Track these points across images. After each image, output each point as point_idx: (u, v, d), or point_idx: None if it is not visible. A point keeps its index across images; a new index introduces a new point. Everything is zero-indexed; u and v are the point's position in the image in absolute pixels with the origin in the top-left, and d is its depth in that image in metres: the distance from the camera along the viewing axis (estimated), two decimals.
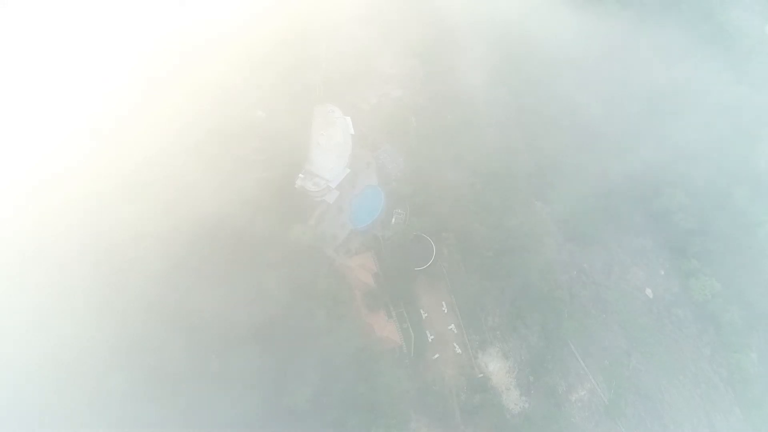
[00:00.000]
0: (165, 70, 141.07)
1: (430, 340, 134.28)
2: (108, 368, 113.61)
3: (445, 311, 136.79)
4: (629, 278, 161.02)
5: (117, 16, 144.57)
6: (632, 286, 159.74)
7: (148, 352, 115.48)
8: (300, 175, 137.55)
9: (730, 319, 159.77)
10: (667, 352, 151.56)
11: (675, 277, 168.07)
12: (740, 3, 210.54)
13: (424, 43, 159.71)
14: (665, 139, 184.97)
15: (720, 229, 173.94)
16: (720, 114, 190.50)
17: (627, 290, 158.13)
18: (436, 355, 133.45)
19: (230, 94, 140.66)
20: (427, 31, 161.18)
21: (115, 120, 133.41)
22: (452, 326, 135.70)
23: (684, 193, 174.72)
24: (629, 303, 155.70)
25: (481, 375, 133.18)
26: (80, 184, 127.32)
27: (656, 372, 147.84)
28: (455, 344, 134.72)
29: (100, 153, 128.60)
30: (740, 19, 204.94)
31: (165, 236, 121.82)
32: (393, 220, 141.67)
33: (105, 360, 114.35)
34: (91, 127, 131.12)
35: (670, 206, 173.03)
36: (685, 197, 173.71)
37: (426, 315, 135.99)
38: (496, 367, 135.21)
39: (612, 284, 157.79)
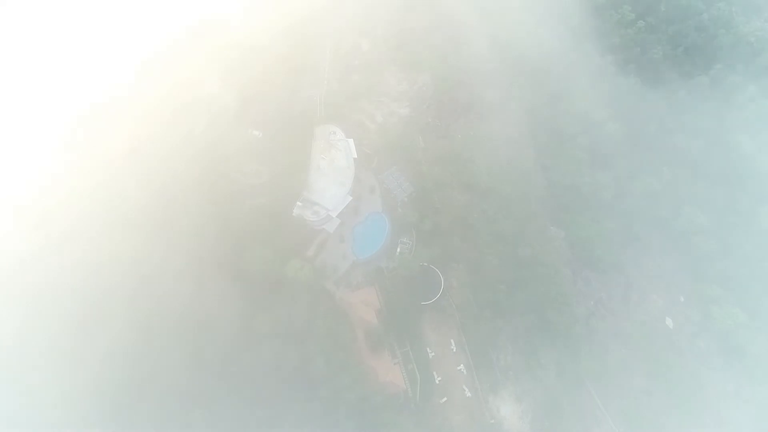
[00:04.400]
0: (152, 79, 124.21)
1: (437, 383, 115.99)
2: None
3: (454, 350, 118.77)
4: (648, 307, 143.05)
5: (107, 26, 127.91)
6: (652, 317, 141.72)
7: (125, 397, 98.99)
8: (298, 203, 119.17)
9: (756, 351, 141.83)
10: (690, 389, 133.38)
11: (696, 304, 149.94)
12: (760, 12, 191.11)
13: (433, 56, 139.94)
14: (684, 156, 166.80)
15: (744, 252, 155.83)
16: (741, 130, 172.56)
17: (646, 321, 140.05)
18: (444, 399, 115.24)
19: (223, 111, 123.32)
20: (437, 44, 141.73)
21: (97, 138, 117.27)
22: (461, 367, 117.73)
23: (704, 214, 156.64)
24: (649, 335, 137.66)
25: (493, 421, 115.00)
26: (74, 215, 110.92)
27: (678, 413, 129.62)
28: (464, 387, 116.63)
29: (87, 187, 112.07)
30: (763, 30, 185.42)
31: (147, 274, 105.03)
32: (398, 250, 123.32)
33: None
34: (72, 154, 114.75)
35: (690, 227, 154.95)
36: (706, 218, 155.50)
37: (433, 354, 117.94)
38: (508, 411, 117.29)
39: (631, 315, 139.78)
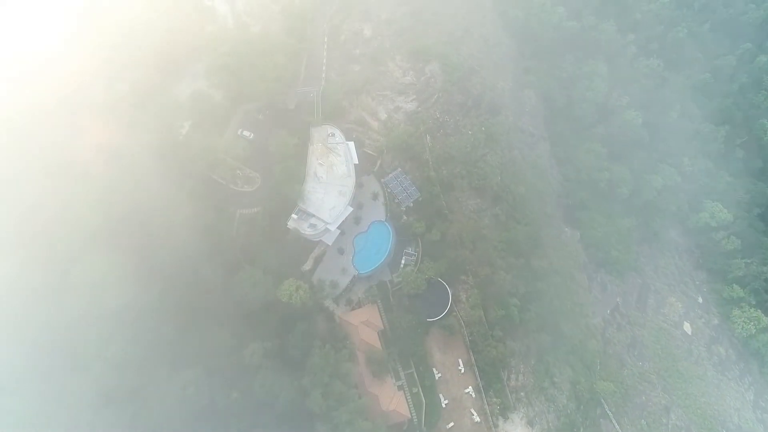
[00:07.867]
0: (128, 75, 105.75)
1: (443, 406, 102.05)
2: None
3: (462, 371, 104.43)
4: (666, 311, 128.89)
5: None
6: (669, 322, 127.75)
7: None
8: (293, 215, 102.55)
9: None
10: (709, 402, 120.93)
11: (715, 305, 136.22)
12: None
13: (442, 43, 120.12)
14: (707, 146, 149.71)
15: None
16: None
17: (664, 328, 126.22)
18: (451, 424, 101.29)
19: (210, 110, 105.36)
20: (446, 28, 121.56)
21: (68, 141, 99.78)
22: (469, 389, 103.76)
23: (726, 208, 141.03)
24: (667, 344, 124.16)
25: None
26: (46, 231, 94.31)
27: (697, 429, 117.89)
28: (473, 410, 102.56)
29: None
30: None
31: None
32: (402, 262, 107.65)
33: None
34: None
35: (710, 222, 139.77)
36: (727, 212, 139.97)
37: (440, 375, 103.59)
38: None
39: (648, 321, 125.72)
